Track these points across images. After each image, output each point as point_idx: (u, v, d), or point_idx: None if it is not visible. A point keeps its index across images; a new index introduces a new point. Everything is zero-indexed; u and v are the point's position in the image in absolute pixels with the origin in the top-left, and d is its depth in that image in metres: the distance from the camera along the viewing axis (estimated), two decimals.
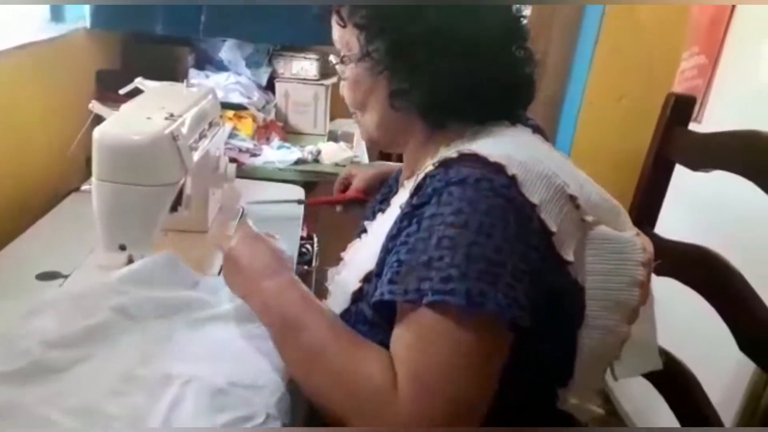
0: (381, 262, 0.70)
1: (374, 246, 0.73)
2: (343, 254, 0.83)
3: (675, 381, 0.95)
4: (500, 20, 0.74)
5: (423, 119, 0.77)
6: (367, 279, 0.72)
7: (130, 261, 0.89)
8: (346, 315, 0.73)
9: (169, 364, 0.71)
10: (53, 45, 1.27)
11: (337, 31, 0.79)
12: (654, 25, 1.94)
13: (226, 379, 0.69)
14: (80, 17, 1.42)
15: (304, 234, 1.42)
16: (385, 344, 0.67)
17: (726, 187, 0.96)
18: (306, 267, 1.49)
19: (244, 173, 1.44)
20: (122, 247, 0.83)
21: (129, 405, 0.65)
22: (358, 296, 0.72)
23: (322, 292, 1.21)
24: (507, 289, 0.60)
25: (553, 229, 0.64)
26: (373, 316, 0.70)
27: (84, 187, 1.20)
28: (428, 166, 0.70)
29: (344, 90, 0.82)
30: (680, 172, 1.01)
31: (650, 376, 0.97)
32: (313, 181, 1.56)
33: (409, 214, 0.67)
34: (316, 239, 1.54)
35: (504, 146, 0.69)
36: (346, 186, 1.16)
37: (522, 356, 0.64)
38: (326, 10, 0.79)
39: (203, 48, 1.78)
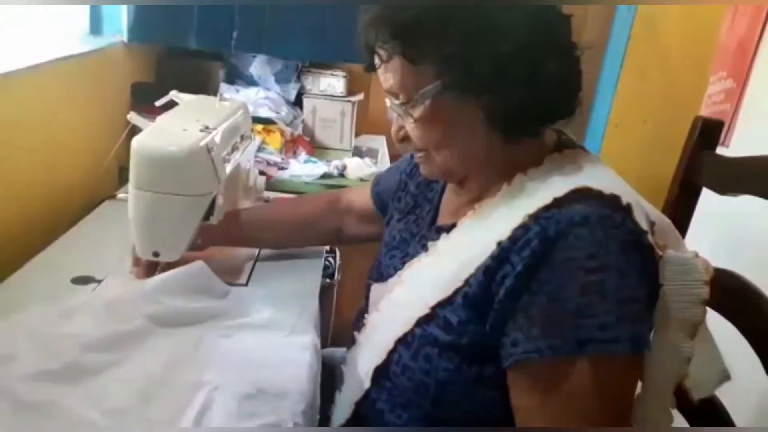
0: (471, 295, 0.69)
1: (444, 270, 0.73)
2: (397, 272, 0.82)
3: (701, 408, 0.94)
4: (565, 23, 0.73)
5: (502, 137, 0.73)
6: (440, 305, 0.71)
7: (160, 268, 0.91)
8: (407, 338, 0.73)
9: (198, 371, 0.73)
10: (92, 58, 1.31)
11: (398, 75, 0.73)
12: (680, 49, 1.94)
13: (255, 386, 0.70)
14: (118, 31, 1.47)
15: (327, 247, 1.43)
16: (460, 369, 0.69)
17: (754, 211, 0.96)
18: (328, 280, 1.50)
19: (272, 186, 1.47)
20: (156, 254, 0.85)
21: (160, 409, 0.66)
22: (423, 320, 0.72)
23: (343, 306, 1.22)
24: (645, 326, 0.64)
25: (660, 253, 0.67)
26: (451, 342, 0.70)
27: (120, 195, 1.23)
28: (525, 200, 0.70)
29: (415, 132, 0.76)
30: (708, 196, 1.00)
31: (678, 403, 0.96)
32: None
33: (532, 262, 0.65)
34: (338, 253, 1.55)
35: (603, 176, 0.71)
36: None
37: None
38: (383, 58, 0.73)
39: (234, 63, 1.82)
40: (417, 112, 0.73)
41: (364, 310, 0.87)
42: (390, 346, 0.74)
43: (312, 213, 1.11)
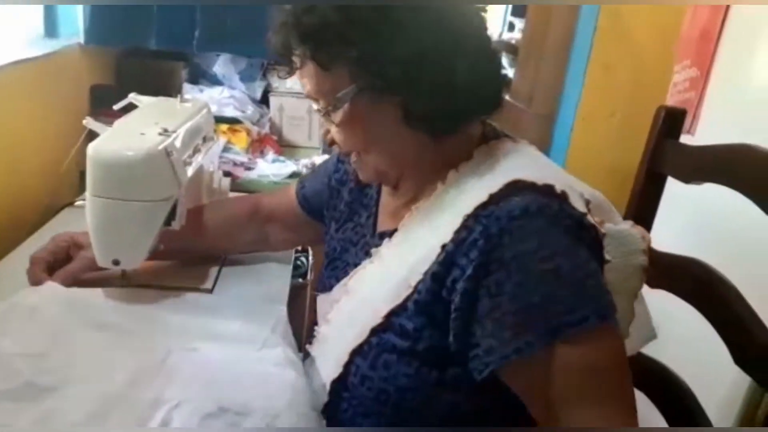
0: (422, 302, 0.68)
1: (391, 276, 0.72)
2: (341, 281, 0.80)
3: (670, 395, 0.95)
4: (477, 19, 0.73)
5: (430, 135, 0.73)
6: (393, 313, 0.70)
7: (124, 274, 0.88)
8: (362, 348, 0.71)
9: (160, 386, 0.70)
10: (47, 61, 1.28)
11: (314, 80, 0.72)
12: (645, 40, 1.96)
13: (217, 403, 0.68)
14: (74, 33, 1.43)
15: (299, 247, 1.42)
16: (419, 374, 0.68)
17: (719, 199, 0.97)
18: (300, 280, 1.49)
19: (239, 187, 1.45)
20: (116, 263, 0.82)
21: (116, 427, 0.64)
22: (378, 329, 0.71)
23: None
24: (608, 292, 0.64)
25: (603, 230, 0.67)
26: (409, 348, 0.69)
27: (78, 202, 1.20)
28: (463, 196, 0.70)
29: (339, 136, 0.75)
30: (673, 184, 1.01)
31: (647, 391, 0.97)
32: None
33: (484, 262, 0.64)
34: (311, 252, 1.54)
35: (532, 165, 0.71)
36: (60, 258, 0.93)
37: None
38: (296, 64, 0.72)
39: (197, 62, 1.79)
40: (337, 117, 0.72)
41: (313, 322, 0.84)
42: (345, 358, 0.72)
43: (233, 224, 1.04)
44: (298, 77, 0.74)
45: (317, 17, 0.67)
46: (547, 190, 0.66)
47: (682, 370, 0.95)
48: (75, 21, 1.42)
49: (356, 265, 0.80)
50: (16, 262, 0.97)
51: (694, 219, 1.44)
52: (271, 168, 1.57)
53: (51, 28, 1.40)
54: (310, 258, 1.55)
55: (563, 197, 0.66)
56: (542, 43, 2.14)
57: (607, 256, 0.69)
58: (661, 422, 0.96)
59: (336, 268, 0.87)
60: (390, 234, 0.78)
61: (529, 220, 0.64)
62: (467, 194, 0.70)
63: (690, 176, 0.94)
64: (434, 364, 0.68)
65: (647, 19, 1.94)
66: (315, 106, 0.75)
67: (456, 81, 0.68)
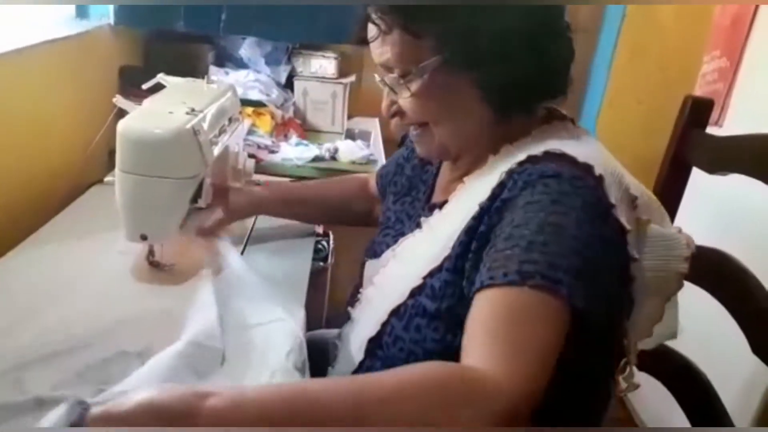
0: (455, 257, 0.70)
1: (436, 243, 0.74)
2: (391, 248, 0.84)
3: (690, 386, 0.95)
4: (560, 5, 0.75)
5: (496, 113, 0.74)
6: (430, 275, 0.73)
7: (151, 251, 0.91)
8: (399, 309, 0.74)
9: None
10: (78, 41, 1.30)
11: (397, 48, 0.73)
12: (675, 28, 1.93)
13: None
14: (104, 14, 1.45)
15: (320, 230, 1.43)
16: (444, 340, 0.70)
17: (743, 190, 0.96)
18: (321, 264, 1.50)
19: (263, 169, 1.47)
20: (143, 237, 0.84)
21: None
22: (416, 291, 0.73)
23: (337, 289, 1.22)
24: (590, 287, 0.61)
25: (628, 227, 0.66)
26: (435, 310, 0.71)
27: (107, 179, 1.22)
28: (505, 163, 0.71)
29: (410, 105, 0.76)
30: (698, 175, 1.00)
31: (666, 382, 0.97)
32: None
33: (499, 207, 0.67)
34: (332, 236, 1.55)
35: (582, 146, 0.71)
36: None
37: (585, 347, 0.66)
38: (383, 29, 0.73)
39: (223, 45, 1.80)
40: (414, 86, 0.73)
41: (359, 286, 0.88)
42: (384, 317, 0.76)
43: (345, 195, 1.14)
44: (376, 44, 0.75)
45: None
46: (586, 168, 0.67)
47: (702, 361, 0.95)
48: (106, 2, 1.44)
49: (407, 234, 0.83)
50: (48, 237, 1.01)
51: (718, 209, 1.43)
52: (294, 151, 1.58)
53: (82, 9, 1.43)
54: (331, 242, 1.56)
55: (599, 180, 0.66)
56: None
57: (635, 254, 0.68)
58: (680, 415, 0.96)
59: (387, 235, 0.90)
60: (440, 205, 0.80)
61: (557, 181, 0.65)
62: (512, 159, 0.72)
63: (715, 166, 0.94)
64: (457, 329, 0.68)
65: (677, 6, 1.91)
66: (378, 77, 0.77)
67: (537, 62, 0.71)
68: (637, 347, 0.77)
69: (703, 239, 0.95)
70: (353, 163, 1.59)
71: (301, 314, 0.86)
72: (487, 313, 0.61)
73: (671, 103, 1.08)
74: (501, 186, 0.69)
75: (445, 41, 0.70)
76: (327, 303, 1.73)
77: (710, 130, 1.00)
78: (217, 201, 1.01)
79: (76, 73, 1.29)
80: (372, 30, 0.74)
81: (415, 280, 0.74)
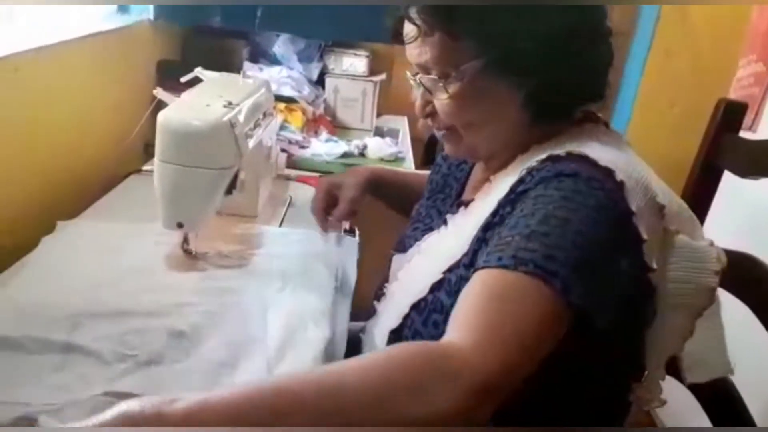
0: (471, 253, 0.71)
1: (458, 239, 0.74)
2: (417, 243, 0.85)
3: (716, 392, 0.94)
4: (603, 8, 0.74)
5: (533, 117, 0.74)
6: (449, 270, 0.73)
7: (185, 239, 0.93)
8: (420, 304, 0.75)
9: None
10: (119, 35, 1.34)
11: (437, 49, 0.72)
12: (709, 31, 1.90)
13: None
14: (144, 9, 1.49)
15: (347, 227, 1.45)
16: None
17: None
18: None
19: (293, 164, 1.49)
20: (180, 225, 0.87)
21: None
22: (436, 286, 0.74)
23: (363, 284, 1.24)
24: (591, 287, 0.60)
25: (645, 236, 0.65)
26: (452, 306, 0.68)
27: (145, 168, 1.26)
28: (530, 162, 0.71)
29: (446, 108, 0.75)
30: (729, 179, 1.00)
31: (691, 387, 0.97)
32: None
33: (513, 200, 0.68)
34: (357, 232, 1.57)
35: (608, 150, 0.70)
36: (330, 203, 1.08)
37: (598, 353, 0.66)
38: (424, 30, 0.72)
39: (258, 42, 1.83)
40: (452, 89, 0.73)
41: (384, 280, 0.90)
42: (405, 310, 0.76)
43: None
44: (414, 44, 0.74)
45: None
46: (606, 172, 0.66)
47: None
48: (146, 2, 1.48)
49: (434, 229, 0.84)
50: (86, 223, 1.04)
51: (748, 214, 1.41)
52: (324, 147, 1.60)
53: (123, 5, 1.47)
54: (357, 238, 1.58)
55: (619, 185, 0.65)
56: None
57: (654, 264, 0.66)
58: (705, 420, 0.96)
59: (416, 229, 0.90)
60: (467, 203, 0.81)
61: (572, 180, 0.64)
62: (535, 158, 0.71)
63: (747, 171, 0.93)
64: None
65: (712, 9, 1.88)
66: (415, 77, 0.77)
67: (579, 66, 0.70)
68: (661, 360, 0.75)
69: (732, 243, 0.94)
70: (382, 160, 1.61)
71: (330, 307, 0.88)
72: (472, 292, 0.60)
73: (704, 106, 1.07)
74: (519, 182, 0.69)
75: (486, 44, 0.69)
76: (353, 297, 1.75)
77: (743, 134, 1.00)
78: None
79: (116, 66, 1.33)
80: (411, 30, 0.73)
81: (436, 275, 0.74)
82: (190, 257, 0.94)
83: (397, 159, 1.63)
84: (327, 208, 1.06)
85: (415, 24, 0.72)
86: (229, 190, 0.91)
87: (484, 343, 0.54)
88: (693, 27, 1.92)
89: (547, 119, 0.75)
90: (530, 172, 0.69)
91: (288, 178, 1.39)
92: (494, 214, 0.70)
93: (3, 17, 1.09)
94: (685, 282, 0.70)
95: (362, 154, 1.62)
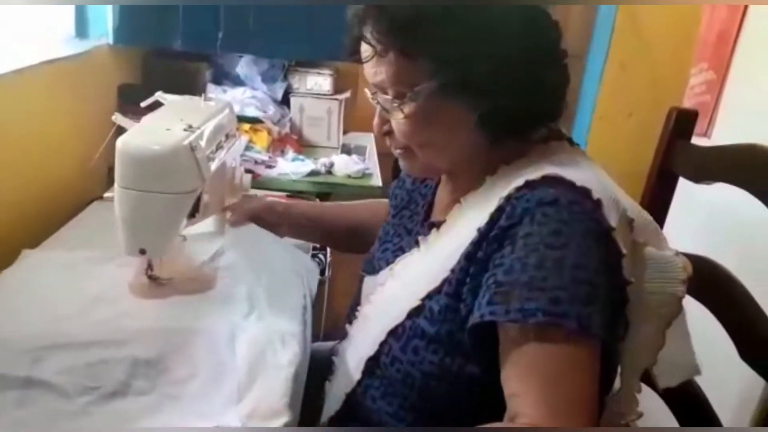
0: (455, 282, 0.71)
1: (434, 263, 0.74)
2: (389, 265, 0.84)
3: (680, 391, 0.96)
4: (556, 29, 0.75)
5: (489, 138, 0.75)
6: (428, 297, 0.73)
7: (149, 266, 0.92)
8: (398, 330, 0.75)
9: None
10: (78, 60, 1.32)
11: (392, 69, 0.72)
12: (662, 42, 1.97)
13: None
14: (103, 33, 1.48)
15: (317, 245, 1.45)
16: (443, 363, 0.70)
17: (728, 199, 0.98)
18: (319, 277, 1.52)
19: (260, 184, 1.49)
20: (142, 251, 0.86)
21: None
22: (414, 312, 0.74)
23: (334, 303, 1.22)
24: (603, 313, 0.62)
25: (624, 251, 0.66)
26: (435, 333, 0.71)
27: (107, 195, 1.24)
28: (503, 186, 0.71)
29: (402, 128, 0.75)
30: (684, 185, 1.03)
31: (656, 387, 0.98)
32: (327, 192, 1.60)
33: (499, 236, 0.67)
34: (328, 250, 1.57)
35: (579, 169, 0.71)
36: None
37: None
38: (378, 51, 0.72)
39: (221, 63, 1.83)
40: (407, 109, 0.73)
41: (356, 302, 0.89)
42: (382, 337, 0.76)
43: (364, 220, 1.12)
44: (370, 64, 0.74)
45: (414, 8, 0.68)
46: (584, 192, 0.67)
47: None
48: (104, 22, 1.47)
49: (405, 251, 0.84)
50: (49, 253, 1.02)
51: (704, 218, 1.45)
52: (290, 166, 1.60)
53: (81, 29, 1.45)
54: (329, 256, 1.58)
55: (597, 204, 0.66)
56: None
57: (630, 277, 0.68)
58: (670, 417, 0.97)
59: (386, 251, 0.90)
60: (438, 225, 0.80)
61: (555, 209, 0.65)
62: (509, 182, 0.71)
63: (700, 176, 0.96)
64: (456, 353, 0.71)
65: (664, 20, 1.95)
66: (372, 96, 0.77)
67: (533, 89, 0.71)
68: (636, 373, 0.76)
69: (690, 248, 0.97)
70: (349, 177, 1.62)
71: (299, 328, 0.87)
72: (511, 358, 0.63)
73: (661, 115, 1.10)
74: (499, 211, 0.69)
75: (441, 66, 0.69)
76: (324, 317, 1.75)
77: (699, 141, 1.03)
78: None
79: (76, 91, 1.31)
80: (367, 50, 0.73)
81: (413, 302, 0.74)
82: (155, 283, 0.93)
83: (364, 176, 1.64)
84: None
85: (370, 44, 0.72)
86: (192, 213, 0.90)
87: (550, 418, 0.59)
88: (646, 40, 1.98)
89: (503, 140, 0.75)
90: (509, 200, 0.69)
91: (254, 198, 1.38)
92: (476, 244, 0.70)
93: None
94: (655, 293, 0.71)
95: (329, 172, 1.63)
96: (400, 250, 0.86)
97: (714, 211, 1.41)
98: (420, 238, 0.82)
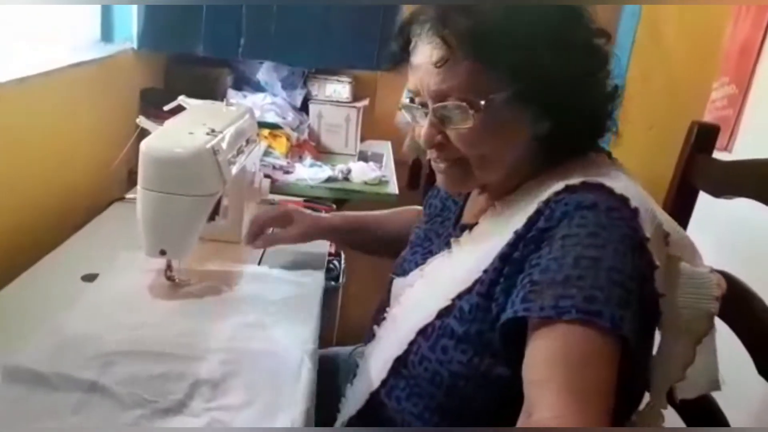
0: (488, 282, 0.70)
1: (466, 264, 0.74)
2: (419, 267, 0.84)
3: (696, 404, 0.95)
4: (607, 41, 0.75)
5: (545, 150, 0.75)
6: (459, 297, 0.73)
7: (169, 267, 0.93)
8: (427, 329, 0.74)
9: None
10: (102, 64, 1.35)
11: (461, 77, 0.69)
12: (684, 55, 1.95)
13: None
14: (128, 38, 1.51)
15: (332, 250, 1.45)
16: (471, 362, 0.70)
17: (748, 214, 0.98)
18: (333, 283, 1.52)
19: (278, 189, 1.50)
20: (163, 252, 0.87)
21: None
22: (444, 312, 0.74)
23: (348, 308, 1.22)
24: (634, 318, 0.62)
25: (658, 263, 0.66)
26: (464, 333, 0.71)
27: (128, 196, 1.26)
28: (542, 192, 0.71)
29: (468, 138, 0.72)
30: (704, 198, 1.02)
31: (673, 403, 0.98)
32: (343, 199, 1.61)
33: (536, 237, 0.67)
34: (343, 256, 1.58)
35: (618, 179, 0.71)
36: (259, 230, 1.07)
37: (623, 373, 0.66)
38: (454, 56, 0.69)
39: (242, 69, 1.85)
40: (477, 118, 0.70)
41: (384, 304, 0.89)
42: (411, 336, 0.76)
43: (404, 227, 1.10)
44: (434, 72, 0.71)
45: (496, 14, 0.68)
46: (622, 200, 0.67)
47: None
48: (129, 27, 1.50)
49: (435, 253, 0.84)
50: (70, 251, 1.04)
51: (724, 233, 1.44)
52: (308, 172, 1.61)
53: (107, 33, 1.48)
54: (343, 262, 1.59)
55: (634, 213, 0.66)
56: None
57: (662, 290, 0.68)
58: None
59: (416, 253, 0.90)
60: (471, 227, 0.81)
61: (594, 213, 0.65)
62: (548, 188, 0.71)
63: (720, 190, 0.95)
64: (485, 353, 0.70)
65: (686, 33, 1.94)
66: (409, 105, 0.77)
67: (592, 101, 0.73)
68: (664, 389, 0.76)
69: (709, 262, 0.96)
70: (365, 183, 1.63)
71: (312, 334, 0.88)
72: (538, 357, 0.62)
73: (681, 129, 1.10)
74: (538, 214, 0.69)
75: (518, 74, 0.68)
76: (338, 321, 1.75)
77: (720, 155, 1.02)
78: (280, 222, 1.05)
79: (100, 95, 1.34)
80: (435, 54, 0.70)
81: (444, 301, 0.74)
82: (174, 285, 0.94)
83: (380, 183, 1.65)
84: (263, 228, 1.06)
85: (448, 47, 0.69)
86: (212, 216, 0.92)
87: (573, 410, 0.58)
88: (667, 51, 1.97)
89: (559, 152, 0.75)
90: (548, 204, 0.69)
91: (272, 203, 1.40)
92: (513, 245, 0.70)
93: None
94: (688, 308, 0.71)
95: (346, 179, 1.64)
96: (430, 253, 0.86)
97: (733, 226, 1.39)
98: (452, 240, 0.82)
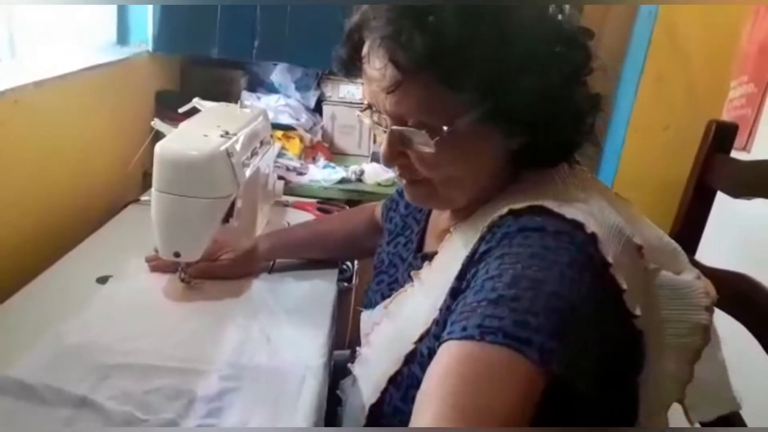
0: (442, 323, 0.64)
1: (426, 301, 0.69)
2: (384, 301, 0.79)
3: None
4: (588, 54, 0.67)
5: (515, 170, 0.69)
6: (420, 339, 0.67)
7: (183, 269, 0.94)
8: (397, 377, 0.69)
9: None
10: (118, 67, 1.36)
11: (422, 99, 0.62)
12: (700, 55, 1.93)
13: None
14: (143, 41, 1.52)
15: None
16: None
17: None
18: (345, 284, 1.52)
19: (291, 191, 1.51)
20: (177, 254, 0.88)
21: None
22: (410, 358, 0.68)
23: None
24: (573, 352, 0.54)
25: (624, 286, 0.60)
26: None
27: (143, 198, 1.27)
28: (489, 215, 0.66)
29: (430, 161, 0.66)
30: (722, 199, 1.00)
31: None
32: (357, 200, 1.61)
33: (477, 261, 0.62)
34: (356, 263, 1.58)
35: (571, 200, 0.65)
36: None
37: (587, 405, 0.60)
38: (409, 76, 0.61)
39: (255, 71, 1.86)
40: (441, 142, 0.64)
41: (356, 340, 0.85)
42: (383, 384, 0.70)
43: (350, 231, 1.10)
44: (393, 95, 0.63)
45: (461, 28, 0.59)
46: (575, 225, 0.60)
47: None
48: (145, 30, 1.51)
49: (400, 283, 0.80)
50: (83, 254, 1.05)
51: (742, 234, 1.42)
52: (321, 173, 1.62)
53: (123, 36, 1.50)
54: (356, 263, 1.59)
55: (591, 238, 0.60)
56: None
57: (637, 311, 0.61)
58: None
59: (381, 282, 0.87)
60: (431, 257, 0.75)
61: (540, 235, 0.59)
62: (496, 210, 0.65)
63: (738, 191, 0.94)
64: None
65: (703, 32, 1.91)
66: (374, 122, 0.69)
67: (568, 116, 0.66)
68: (660, 410, 0.69)
69: (726, 263, 0.95)
70: (379, 185, 1.62)
71: (322, 346, 0.87)
72: (437, 372, 0.54)
73: (698, 128, 1.08)
74: (480, 240, 0.64)
75: (486, 94, 0.61)
76: (351, 323, 1.75)
77: (738, 155, 1.01)
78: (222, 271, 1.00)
79: (115, 97, 1.35)
80: (388, 78, 0.62)
81: (408, 346, 0.68)
82: (188, 286, 0.95)
83: (394, 183, 1.65)
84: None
85: (402, 72, 0.61)
86: (226, 218, 0.92)
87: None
88: (684, 51, 1.94)
89: (531, 166, 0.70)
90: (491, 229, 0.64)
91: (286, 205, 1.40)
92: (459, 278, 0.65)
93: (5, 53, 1.11)
94: (673, 321, 0.65)
95: (359, 180, 1.64)
96: (396, 282, 0.82)
97: (752, 227, 1.37)
98: (413, 273, 0.75)
